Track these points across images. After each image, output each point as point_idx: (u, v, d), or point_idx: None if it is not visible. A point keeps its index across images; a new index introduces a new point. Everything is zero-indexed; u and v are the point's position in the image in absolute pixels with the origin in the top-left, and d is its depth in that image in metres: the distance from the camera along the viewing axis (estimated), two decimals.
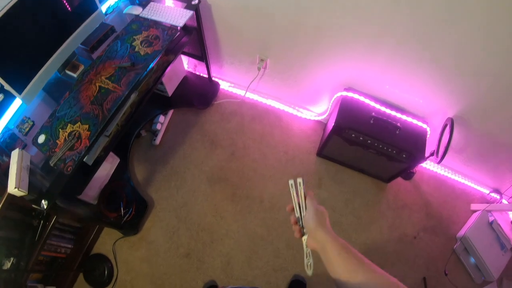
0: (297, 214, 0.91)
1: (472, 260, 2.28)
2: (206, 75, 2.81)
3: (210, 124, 2.78)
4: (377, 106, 2.21)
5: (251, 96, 2.87)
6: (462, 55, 1.72)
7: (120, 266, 2.29)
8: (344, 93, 2.25)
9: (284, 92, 2.73)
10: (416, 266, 2.29)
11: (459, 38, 1.64)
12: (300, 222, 0.90)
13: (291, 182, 0.92)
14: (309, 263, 0.87)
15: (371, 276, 0.70)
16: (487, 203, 2.45)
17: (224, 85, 2.94)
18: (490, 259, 2.22)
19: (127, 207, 2.32)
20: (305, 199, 0.90)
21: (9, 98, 1.76)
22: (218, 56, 2.65)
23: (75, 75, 1.90)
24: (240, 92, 2.89)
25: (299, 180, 0.91)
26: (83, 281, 2.26)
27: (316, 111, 2.72)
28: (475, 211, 2.48)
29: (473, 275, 2.28)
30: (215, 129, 2.75)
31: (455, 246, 2.36)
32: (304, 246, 0.87)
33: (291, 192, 0.92)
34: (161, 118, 2.72)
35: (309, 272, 0.86)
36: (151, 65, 1.88)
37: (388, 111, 2.20)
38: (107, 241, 2.37)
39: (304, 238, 0.87)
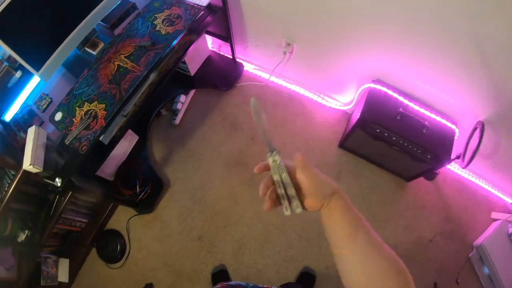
0: (281, 191, 0.65)
1: (486, 270, 2.14)
2: (230, 56, 2.69)
3: (232, 106, 2.68)
4: (405, 101, 2.06)
5: (276, 80, 2.74)
6: (501, 56, 1.54)
7: (133, 244, 2.29)
8: (372, 85, 2.10)
9: (310, 79, 2.58)
10: (428, 270, 2.18)
11: (498, 37, 1.47)
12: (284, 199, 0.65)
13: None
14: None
15: (375, 252, 0.61)
16: (509, 213, 2.29)
17: (248, 67, 2.81)
18: (504, 272, 2.07)
19: (143, 185, 2.29)
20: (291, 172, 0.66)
21: (27, 75, 1.73)
22: (243, 37, 2.52)
23: (94, 53, 1.84)
24: (264, 75, 2.76)
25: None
26: (95, 255, 2.28)
27: (342, 100, 2.57)
28: (495, 220, 2.33)
29: (485, 286, 2.15)
30: (237, 112, 2.65)
31: (470, 254, 2.23)
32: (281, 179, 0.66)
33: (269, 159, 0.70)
34: (182, 97, 2.64)
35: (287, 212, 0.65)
36: (172, 45, 1.79)
37: (416, 107, 2.06)
38: (122, 218, 2.36)
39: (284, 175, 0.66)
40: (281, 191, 0.65)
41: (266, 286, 0.94)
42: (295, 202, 0.64)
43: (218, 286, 0.90)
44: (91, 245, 2.26)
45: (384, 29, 1.79)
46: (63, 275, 2.15)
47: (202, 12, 1.92)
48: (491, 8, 1.37)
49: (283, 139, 2.54)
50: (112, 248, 2.25)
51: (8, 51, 1.44)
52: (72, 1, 1.63)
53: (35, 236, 1.85)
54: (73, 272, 2.23)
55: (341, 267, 0.63)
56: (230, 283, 0.93)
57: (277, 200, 0.66)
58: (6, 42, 1.41)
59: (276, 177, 0.67)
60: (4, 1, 1.35)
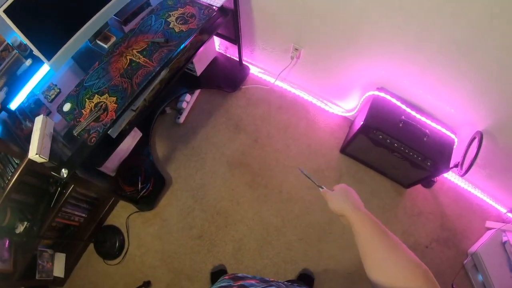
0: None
1: (480, 278, 2.11)
2: (236, 58, 2.63)
3: (236, 108, 2.61)
4: (408, 110, 2.03)
5: (280, 84, 2.68)
6: (502, 70, 1.54)
7: (132, 240, 2.20)
8: (376, 93, 2.06)
9: (315, 84, 2.54)
10: None
11: (500, 52, 1.47)
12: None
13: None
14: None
15: (398, 255, 0.66)
16: (503, 222, 2.26)
17: (254, 70, 2.75)
18: (497, 279, 2.04)
19: (144, 182, 2.20)
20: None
21: (37, 63, 1.64)
22: (251, 41, 2.46)
23: (106, 46, 1.76)
24: (269, 79, 2.71)
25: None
26: (93, 251, 2.17)
27: (345, 107, 2.53)
28: (489, 228, 2.31)
29: None
30: (241, 114, 2.59)
31: (465, 261, 2.20)
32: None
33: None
34: (187, 97, 2.56)
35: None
36: (185, 43, 1.72)
37: (418, 116, 2.03)
38: (122, 214, 2.27)
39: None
40: None
41: (273, 279, 0.91)
42: None
43: (226, 277, 0.94)
44: (89, 240, 2.15)
45: (392, 40, 1.78)
46: (58, 270, 2.03)
47: (215, 13, 1.86)
48: (493, 24, 1.38)
49: (286, 142, 2.48)
50: (111, 244, 2.14)
51: (22, 37, 1.36)
52: None
53: (34, 228, 1.75)
54: (69, 267, 2.12)
55: (368, 267, 0.68)
56: (238, 274, 0.96)
57: None
58: (21, 28, 1.34)
59: None
60: None
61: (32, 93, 1.64)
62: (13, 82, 1.61)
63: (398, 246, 0.67)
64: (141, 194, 2.16)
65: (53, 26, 1.49)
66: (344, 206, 0.82)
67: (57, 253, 2.03)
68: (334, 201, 0.86)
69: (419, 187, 2.34)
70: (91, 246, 2.18)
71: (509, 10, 1.29)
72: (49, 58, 1.50)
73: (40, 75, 1.66)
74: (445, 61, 1.69)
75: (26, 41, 1.38)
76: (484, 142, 1.80)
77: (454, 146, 2.01)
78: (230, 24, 2.21)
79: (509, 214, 2.34)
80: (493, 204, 2.40)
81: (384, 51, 1.86)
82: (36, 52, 1.44)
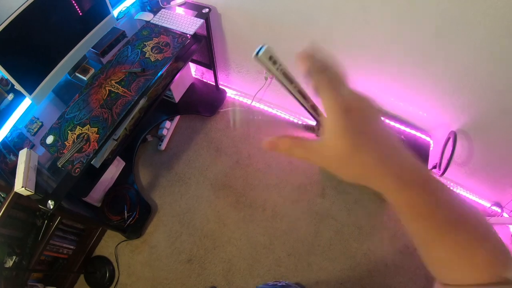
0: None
1: None
2: (213, 83, 2.78)
3: (216, 131, 2.74)
4: (382, 118, 2.16)
5: (257, 105, 2.83)
6: (465, 71, 1.69)
7: (122, 269, 2.24)
8: None
9: (290, 102, 2.64)
10: (417, 276, 2.22)
11: (461, 54, 1.62)
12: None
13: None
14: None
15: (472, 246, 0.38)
16: (488, 216, 2.39)
17: (230, 93, 2.90)
18: None
19: (130, 210, 2.28)
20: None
21: (18, 97, 1.74)
22: (226, 65, 2.63)
23: (85, 78, 1.88)
24: (246, 101, 2.86)
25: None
26: (84, 282, 2.21)
27: None
28: None
29: None
30: (221, 137, 2.72)
31: None
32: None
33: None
34: (168, 123, 2.68)
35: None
36: (161, 72, 1.86)
37: (392, 123, 2.17)
38: (110, 244, 2.32)
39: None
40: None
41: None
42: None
43: None
44: (79, 272, 2.19)
45: (360, 54, 1.93)
46: None
47: (189, 41, 2.01)
48: (457, 28, 1.52)
49: (267, 161, 2.60)
50: (101, 274, 2.19)
51: (3, 72, 1.45)
52: (66, 28, 1.69)
53: (23, 262, 1.80)
54: None
55: (429, 260, 0.43)
56: None
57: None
58: (1, 64, 1.43)
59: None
60: (0, 25, 1.39)
61: (15, 127, 1.73)
62: None
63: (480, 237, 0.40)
64: (128, 222, 2.23)
65: (34, 61, 1.60)
66: (371, 176, 0.37)
67: (47, 287, 2.06)
68: (338, 167, 0.37)
69: None
70: (82, 277, 2.22)
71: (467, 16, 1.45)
72: (30, 92, 1.59)
73: (22, 109, 1.76)
74: (411, 68, 1.84)
75: (7, 76, 1.47)
76: (459, 141, 1.92)
77: (431, 149, 2.13)
78: (204, 50, 2.37)
79: (493, 208, 2.46)
80: (477, 199, 2.53)
81: (353, 64, 2.01)
82: (17, 86, 1.53)
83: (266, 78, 2.44)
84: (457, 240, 0.39)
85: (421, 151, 2.10)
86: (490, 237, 0.40)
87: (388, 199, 0.38)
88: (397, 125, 2.16)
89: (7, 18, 1.39)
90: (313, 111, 0.42)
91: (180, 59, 2.02)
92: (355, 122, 0.35)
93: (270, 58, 0.37)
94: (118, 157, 2.35)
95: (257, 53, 0.37)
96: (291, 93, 0.41)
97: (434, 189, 0.37)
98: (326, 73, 0.37)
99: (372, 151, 0.35)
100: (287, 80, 0.40)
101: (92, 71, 1.90)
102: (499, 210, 2.45)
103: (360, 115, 0.36)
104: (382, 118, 0.39)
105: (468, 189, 2.53)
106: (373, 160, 0.35)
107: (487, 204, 2.51)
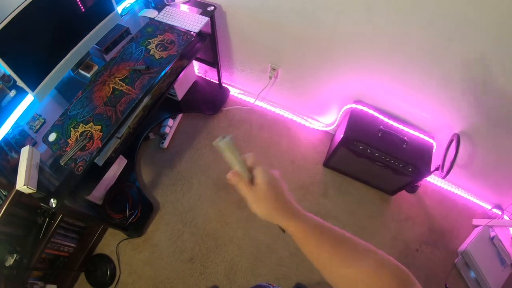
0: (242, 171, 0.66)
1: (473, 274, 2.21)
2: (216, 81, 2.75)
3: (219, 130, 2.71)
4: (385, 119, 2.15)
5: (260, 104, 2.81)
6: (469, 74, 1.68)
7: (123, 268, 2.21)
8: (354, 106, 2.19)
9: (294, 102, 2.67)
10: (417, 278, 2.17)
11: (466, 57, 1.61)
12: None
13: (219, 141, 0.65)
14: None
15: (356, 259, 0.56)
16: (489, 218, 2.38)
17: (233, 92, 2.88)
18: (490, 274, 2.16)
19: (132, 209, 2.24)
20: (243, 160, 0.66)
21: (21, 94, 1.71)
22: (230, 63, 2.59)
23: (88, 75, 1.84)
24: (249, 99, 2.83)
25: (220, 142, 0.65)
26: (84, 281, 2.17)
27: (325, 121, 2.65)
28: (476, 226, 2.42)
29: None
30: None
31: (456, 260, 2.29)
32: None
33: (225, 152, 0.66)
34: (170, 121, 2.65)
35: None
36: (166, 70, 1.82)
37: (396, 124, 2.15)
38: (111, 242, 2.29)
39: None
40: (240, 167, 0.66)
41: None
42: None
43: None
44: (80, 270, 2.16)
45: (364, 56, 1.92)
46: None
47: (193, 39, 1.98)
48: (463, 33, 1.50)
49: (270, 161, 2.57)
50: (102, 273, 2.16)
51: (6, 68, 1.41)
52: (69, 24, 1.64)
53: (23, 260, 1.76)
54: None
55: (327, 279, 0.61)
56: None
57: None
58: (4, 59, 1.39)
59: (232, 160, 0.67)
60: (3, 20, 1.35)
61: (17, 124, 1.69)
62: None
63: (359, 250, 0.58)
64: (129, 220, 2.20)
65: (37, 57, 1.55)
66: (273, 213, 0.63)
67: (48, 285, 2.01)
68: (257, 205, 0.64)
69: (403, 193, 2.45)
70: (83, 276, 2.18)
71: (477, 18, 1.43)
72: (33, 88, 1.55)
73: (24, 106, 1.72)
74: (416, 69, 1.82)
75: (10, 72, 1.42)
76: (462, 143, 1.91)
77: (434, 150, 2.12)
78: (209, 48, 2.33)
79: (494, 210, 2.46)
80: (478, 201, 2.53)
81: (358, 65, 2.00)
82: (20, 83, 1.49)
83: (270, 78, 2.41)
84: (344, 258, 0.58)
85: (424, 153, 2.08)
86: (370, 250, 0.58)
87: (290, 233, 0.63)
88: (400, 126, 2.14)
89: (10, 14, 1.35)
90: (249, 172, 0.66)
91: (185, 57, 1.98)
92: (271, 184, 0.64)
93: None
94: (120, 155, 2.31)
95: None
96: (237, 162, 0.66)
97: (309, 218, 0.63)
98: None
99: (280, 201, 0.63)
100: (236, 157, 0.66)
101: (95, 68, 1.86)
102: (499, 212, 2.45)
103: (273, 182, 0.64)
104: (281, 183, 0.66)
105: (469, 191, 2.53)
106: (277, 207, 0.63)
107: (488, 206, 2.51)
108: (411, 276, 0.55)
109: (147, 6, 2.16)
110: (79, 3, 1.64)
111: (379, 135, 2.08)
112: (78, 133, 1.62)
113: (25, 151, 1.50)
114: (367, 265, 0.55)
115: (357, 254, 0.58)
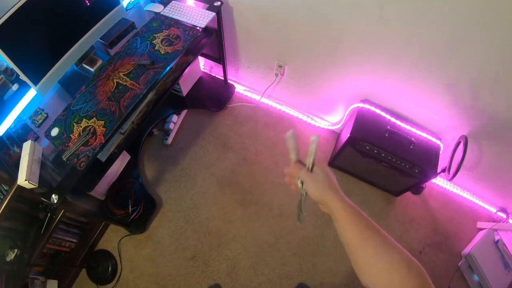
0: (308, 163, 0.80)
1: (476, 278, 2.17)
2: (222, 77, 2.70)
3: (223, 127, 2.67)
4: (393, 119, 2.11)
5: (266, 101, 2.76)
6: (479, 76, 1.64)
7: (124, 264, 2.18)
8: (361, 105, 2.14)
9: (300, 100, 2.62)
10: None
11: (476, 60, 1.57)
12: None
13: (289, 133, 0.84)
14: (301, 217, 0.86)
15: (385, 248, 0.63)
16: (494, 222, 2.34)
17: (239, 89, 2.83)
18: (493, 278, 2.12)
19: (135, 205, 2.21)
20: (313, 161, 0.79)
21: (23, 88, 1.67)
22: (236, 59, 2.54)
23: (92, 70, 1.79)
24: (255, 96, 2.79)
25: (314, 137, 0.78)
26: (86, 276, 2.15)
27: (331, 120, 2.60)
28: (481, 229, 2.38)
29: None
30: (228, 133, 2.64)
31: (459, 263, 2.25)
32: (302, 195, 0.83)
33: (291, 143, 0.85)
34: (174, 117, 2.60)
35: (298, 222, 0.87)
36: (171, 65, 1.77)
37: (403, 125, 2.11)
38: (113, 238, 2.26)
39: (300, 186, 0.82)
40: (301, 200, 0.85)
41: None
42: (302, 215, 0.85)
43: None
44: (81, 266, 2.13)
45: (373, 54, 1.87)
46: None
47: (200, 34, 1.93)
48: (473, 33, 1.46)
49: (275, 158, 2.53)
50: (103, 269, 2.13)
51: (8, 62, 1.38)
52: (73, 17, 1.60)
53: (24, 255, 1.73)
54: None
55: (355, 262, 0.67)
56: None
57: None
58: (7, 53, 1.35)
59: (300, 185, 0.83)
60: (6, 13, 1.31)
61: (19, 118, 1.65)
62: (0, 107, 1.63)
63: (388, 242, 0.64)
64: (131, 217, 2.16)
65: (40, 50, 1.52)
66: (326, 192, 0.73)
67: (49, 280, 1.99)
68: (314, 185, 0.76)
69: (408, 194, 2.40)
70: (84, 271, 2.16)
71: (488, 20, 1.38)
72: (36, 82, 1.52)
73: (26, 100, 1.68)
74: (425, 70, 1.77)
75: (12, 65, 1.39)
76: (469, 146, 1.86)
77: (440, 152, 2.08)
78: (215, 44, 2.28)
79: (499, 213, 2.42)
80: (483, 204, 2.48)
81: (366, 63, 1.95)
82: (22, 76, 1.46)
83: (276, 75, 2.36)
84: (380, 239, 0.64)
85: (431, 154, 2.04)
86: (396, 244, 0.64)
87: (333, 214, 0.72)
88: (408, 127, 2.10)
89: (13, 7, 1.31)
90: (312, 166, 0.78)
91: (191, 53, 1.93)
92: (326, 173, 0.77)
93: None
94: (123, 151, 2.27)
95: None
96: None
97: (353, 205, 0.71)
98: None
99: (333, 186, 0.74)
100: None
101: (99, 62, 1.81)
102: (504, 216, 2.41)
103: (328, 172, 0.77)
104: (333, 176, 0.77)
105: (474, 194, 2.49)
106: (331, 189, 0.73)
107: (493, 209, 2.47)
108: (430, 282, 0.60)
109: (152, 0, 2.10)
110: None
111: (386, 135, 2.04)
112: (81, 128, 1.58)
113: (27, 146, 1.47)
114: (395, 259, 0.61)
115: (387, 247, 0.63)
